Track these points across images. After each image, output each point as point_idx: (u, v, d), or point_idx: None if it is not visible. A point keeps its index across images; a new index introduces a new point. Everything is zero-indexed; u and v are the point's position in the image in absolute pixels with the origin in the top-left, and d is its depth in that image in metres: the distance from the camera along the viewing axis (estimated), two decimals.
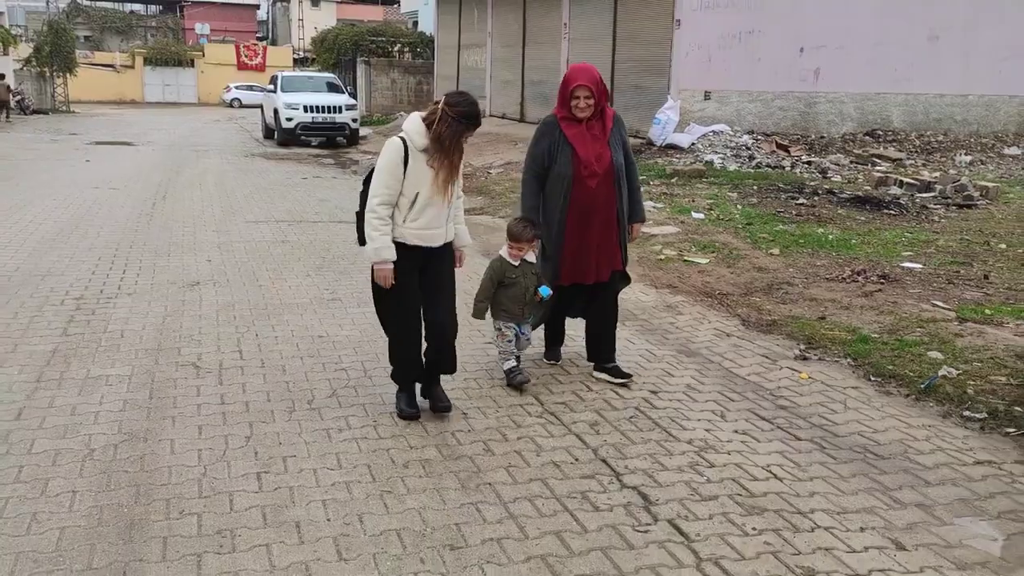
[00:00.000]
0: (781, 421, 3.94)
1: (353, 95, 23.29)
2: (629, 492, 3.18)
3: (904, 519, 3.03)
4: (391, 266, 3.60)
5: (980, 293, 6.17)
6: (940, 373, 4.44)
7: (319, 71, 28.31)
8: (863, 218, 9.12)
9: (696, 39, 14.26)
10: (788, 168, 12.58)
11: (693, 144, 13.54)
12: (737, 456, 3.53)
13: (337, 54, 31.74)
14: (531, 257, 4.28)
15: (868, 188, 11.06)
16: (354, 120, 19.33)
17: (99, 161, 15.23)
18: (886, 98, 15.57)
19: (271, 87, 20.58)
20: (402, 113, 23.51)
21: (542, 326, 4.60)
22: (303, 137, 18.73)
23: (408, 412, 3.81)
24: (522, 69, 20.44)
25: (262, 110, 22.14)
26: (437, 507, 3.03)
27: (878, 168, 12.68)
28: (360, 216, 3.71)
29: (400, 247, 3.62)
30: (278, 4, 64.49)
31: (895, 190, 10.82)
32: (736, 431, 3.81)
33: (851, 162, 13.28)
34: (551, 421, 3.86)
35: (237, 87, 43.94)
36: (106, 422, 3.69)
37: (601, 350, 4.48)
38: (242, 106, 40.56)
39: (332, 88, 20.51)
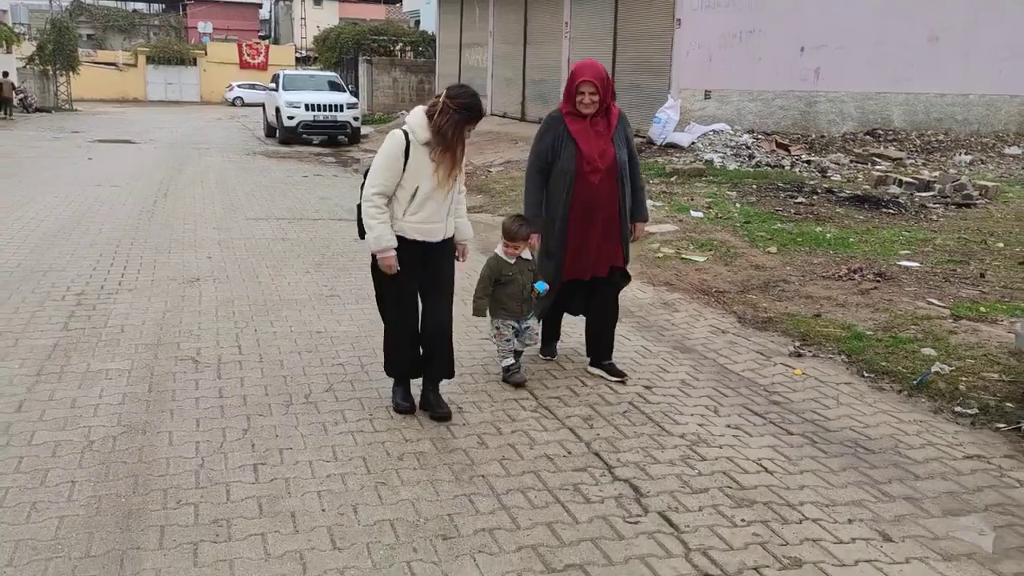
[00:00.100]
0: (774, 416, 3.98)
1: (355, 94, 23.36)
2: (621, 484, 3.22)
3: (892, 511, 3.06)
4: (393, 253, 3.59)
5: (976, 291, 6.19)
6: (933, 369, 4.47)
7: (321, 70, 28.36)
8: (861, 217, 9.15)
9: (696, 38, 14.28)
10: (788, 167, 12.60)
11: (693, 143, 13.56)
12: (729, 450, 3.57)
13: (339, 53, 31.81)
14: (527, 254, 4.32)
15: (867, 187, 11.08)
16: (355, 119, 19.38)
17: (101, 159, 15.29)
18: (887, 97, 15.58)
19: (273, 86, 20.62)
20: (403, 112, 23.55)
21: (540, 322, 4.63)
22: (305, 135, 18.78)
23: (403, 406, 3.84)
24: (523, 68, 20.47)
25: (264, 109, 22.20)
26: (431, 498, 3.07)
27: (878, 167, 12.70)
28: (360, 208, 3.72)
29: (400, 241, 3.62)
30: (280, 3, 64.59)
31: (894, 189, 10.84)
32: (729, 426, 3.84)
33: (851, 161, 13.29)
34: (545, 415, 3.90)
35: (239, 86, 44.00)
36: (105, 415, 3.73)
37: (600, 349, 4.52)
38: (244, 105, 40.62)
39: (334, 87, 20.56)
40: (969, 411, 4.01)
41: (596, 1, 16.96)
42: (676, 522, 2.94)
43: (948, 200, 10.17)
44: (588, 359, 4.56)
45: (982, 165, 13.83)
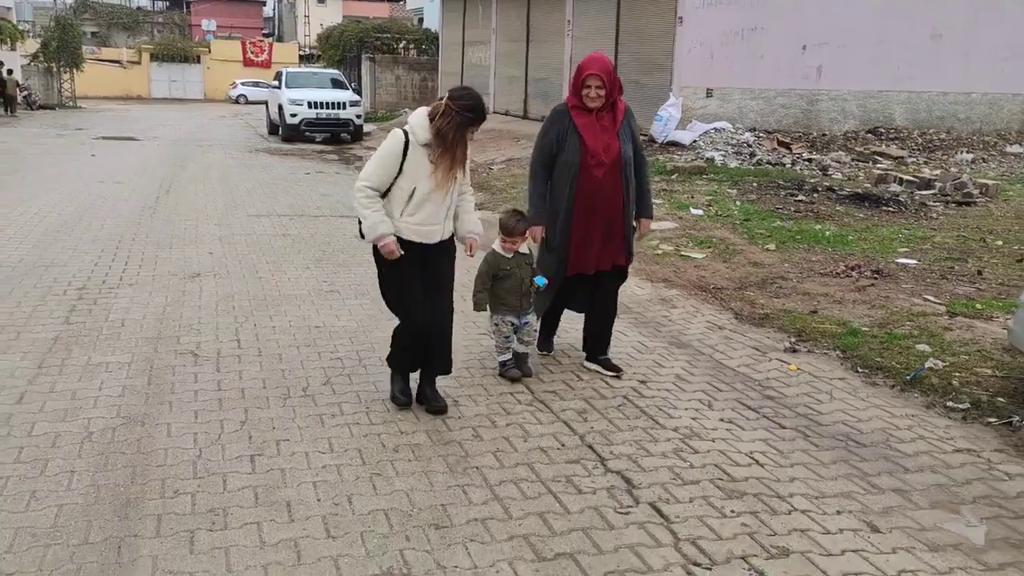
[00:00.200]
0: (767, 410, 4.01)
1: (358, 91, 23.39)
2: (613, 476, 3.26)
3: (881, 503, 3.10)
4: (392, 238, 3.59)
5: (973, 288, 6.22)
6: (927, 365, 4.50)
7: (324, 68, 28.42)
8: (861, 215, 9.16)
9: (698, 36, 14.29)
10: (789, 165, 12.60)
11: (694, 141, 13.58)
12: (721, 443, 3.60)
13: (342, 51, 31.89)
14: (524, 248, 4.34)
15: (868, 185, 11.09)
16: (358, 116, 19.42)
17: (104, 156, 15.36)
18: (889, 96, 15.58)
19: (276, 83, 20.68)
20: (406, 110, 23.59)
21: (539, 319, 4.62)
22: (307, 133, 18.84)
23: (400, 399, 3.86)
24: (526, 66, 20.50)
25: (267, 106, 22.26)
26: (424, 489, 3.11)
27: (879, 166, 12.71)
28: None
29: (398, 241, 3.63)
30: (284, 1, 64.65)
31: (895, 187, 10.85)
32: (722, 419, 3.88)
33: (852, 160, 13.30)
34: (540, 409, 3.93)
35: (243, 83, 44.08)
36: (105, 407, 3.78)
37: (597, 344, 4.54)
38: (248, 102, 40.69)
39: (336, 84, 20.61)
40: (961, 406, 4.04)
41: None
42: (666, 513, 2.98)
43: (948, 198, 10.17)
44: (584, 354, 4.59)
45: (984, 163, 13.82)
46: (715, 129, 14.03)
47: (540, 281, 4.26)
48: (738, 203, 9.56)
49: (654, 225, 8.29)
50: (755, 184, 10.79)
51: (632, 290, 6.14)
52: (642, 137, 5.03)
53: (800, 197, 10.00)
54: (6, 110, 26.62)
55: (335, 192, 11.22)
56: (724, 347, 4.98)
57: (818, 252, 7.32)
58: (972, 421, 3.90)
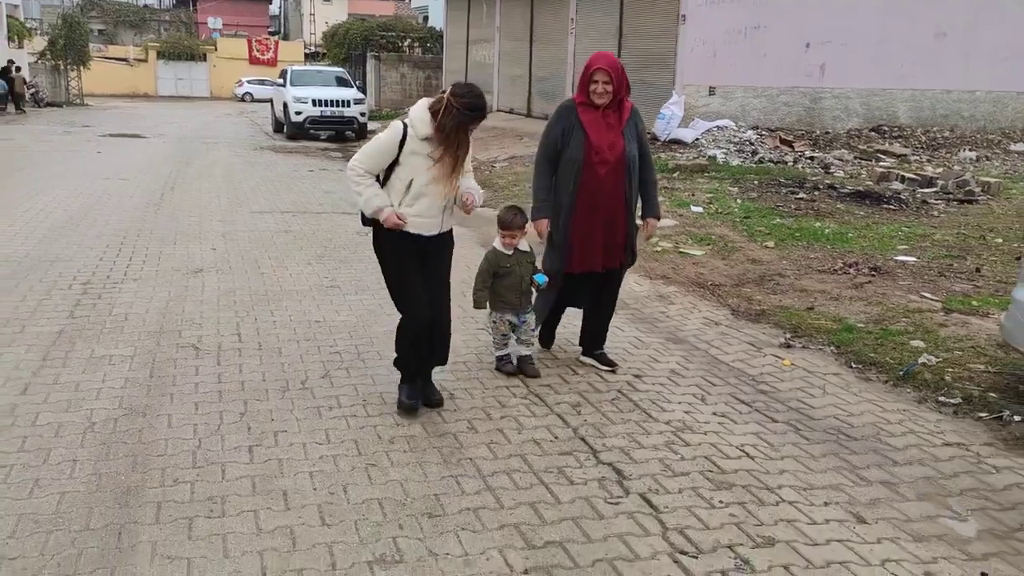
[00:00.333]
0: (759, 405, 4.05)
1: (362, 89, 23.46)
2: (604, 468, 3.31)
3: (868, 495, 3.14)
4: (391, 209, 3.60)
5: (970, 285, 6.24)
6: (920, 361, 4.54)
7: (330, 66, 28.50)
8: (862, 213, 9.18)
9: (701, 34, 14.31)
10: (791, 163, 12.62)
11: (697, 139, 13.61)
12: (713, 436, 3.65)
13: (348, 49, 31.96)
14: (525, 246, 4.37)
15: (870, 183, 11.10)
16: (362, 114, 19.49)
17: (110, 153, 15.46)
18: (892, 94, 15.56)
19: (281, 81, 20.76)
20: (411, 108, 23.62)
21: (539, 324, 4.59)
22: (312, 131, 18.90)
23: (407, 404, 3.78)
24: (529, 64, 20.54)
25: (272, 104, 22.34)
26: (419, 479, 3.17)
27: (882, 164, 12.71)
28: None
29: (396, 232, 3.66)
30: None
31: (896, 185, 10.85)
32: (715, 413, 3.92)
33: (855, 158, 13.30)
34: (535, 402, 3.99)
35: (249, 81, 44.21)
36: (107, 398, 3.85)
37: (594, 341, 4.59)
38: (254, 100, 40.82)
39: (341, 82, 20.68)
40: (952, 401, 4.07)
41: None
42: (656, 503, 3.03)
43: (950, 196, 10.18)
44: (580, 349, 4.64)
45: (987, 161, 13.81)
46: (717, 127, 14.05)
47: (541, 279, 4.28)
48: (739, 201, 9.59)
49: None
50: (756, 182, 10.81)
51: (631, 287, 6.18)
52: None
53: (801, 195, 10.03)
54: (16, 107, 26.77)
55: (338, 189, 11.28)
56: (720, 343, 5.02)
57: (817, 249, 7.35)
58: (963, 416, 3.94)
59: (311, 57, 47.44)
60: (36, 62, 32.86)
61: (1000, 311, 5.47)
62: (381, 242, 3.76)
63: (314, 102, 18.69)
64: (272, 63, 47.12)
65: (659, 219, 4.53)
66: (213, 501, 2.95)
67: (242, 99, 42.60)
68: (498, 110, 21.52)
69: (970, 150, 14.38)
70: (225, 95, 46.06)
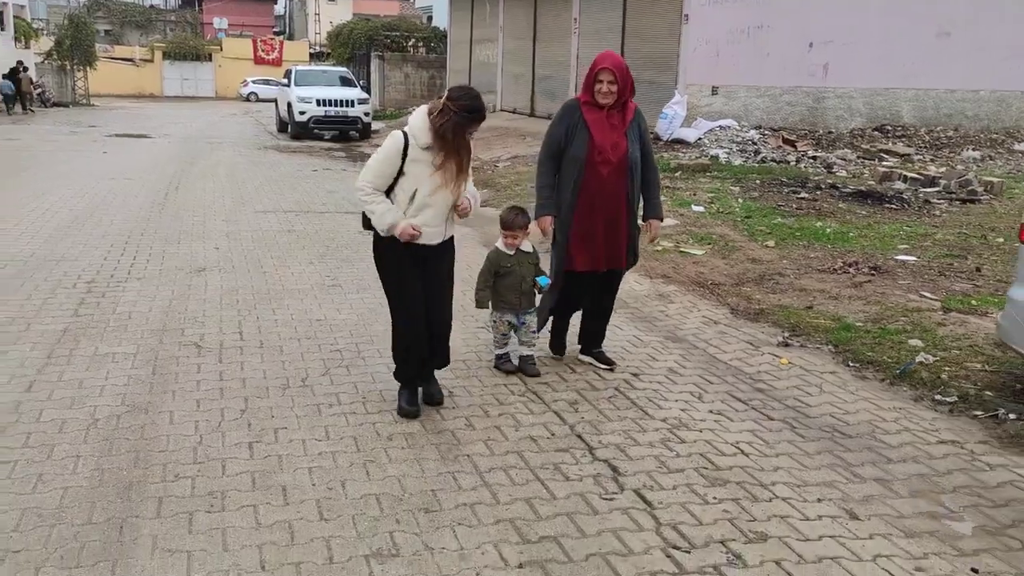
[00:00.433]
0: (756, 403, 4.08)
1: (367, 89, 23.52)
2: (600, 464, 3.34)
3: (862, 492, 3.17)
4: (405, 223, 3.59)
5: (970, 285, 6.25)
6: (917, 359, 4.56)
7: (334, 65, 28.57)
8: (864, 212, 9.19)
9: (704, 34, 14.32)
10: (793, 163, 12.63)
11: (699, 139, 13.62)
12: (708, 434, 3.68)
13: (352, 48, 32.04)
14: (527, 246, 4.39)
15: (872, 183, 11.10)
16: (366, 114, 19.54)
17: (116, 153, 15.55)
18: (896, 93, 15.54)
19: (285, 81, 20.84)
20: (414, 108, 23.72)
21: (550, 319, 4.58)
22: (316, 130, 18.98)
23: (407, 410, 3.76)
24: (532, 64, 20.57)
25: (276, 104, 22.42)
26: (416, 475, 3.21)
27: (885, 163, 12.70)
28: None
29: (398, 241, 3.65)
30: None
31: (899, 185, 10.85)
32: (711, 411, 3.95)
33: (858, 157, 13.30)
34: (532, 400, 4.02)
35: (254, 81, 44.35)
36: (110, 395, 3.90)
37: (592, 339, 4.61)
38: (259, 100, 40.96)
39: (345, 82, 20.74)
40: (948, 399, 4.09)
41: None
42: (650, 499, 3.06)
43: (953, 196, 10.18)
44: (579, 347, 4.67)
45: (991, 161, 13.78)
46: (720, 127, 14.06)
47: (543, 281, 4.29)
48: (740, 200, 9.61)
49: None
50: (758, 181, 10.82)
51: (630, 286, 6.21)
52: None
53: (803, 194, 10.03)
54: (23, 108, 26.92)
55: (341, 189, 11.34)
56: (718, 341, 5.05)
57: (817, 249, 7.37)
58: (959, 414, 3.96)
59: (316, 57, 47.52)
60: (42, 62, 33.04)
61: (999, 310, 5.48)
62: (381, 251, 3.77)
63: (318, 102, 18.76)
64: (277, 63, 47.24)
65: (662, 220, 4.52)
66: (213, 496, 2.99)
67: (247, 99, 42.74)
68: (501, 109, 21.57)
69: (974, 149, 14.36)
70: (230, 95, 46.21)
